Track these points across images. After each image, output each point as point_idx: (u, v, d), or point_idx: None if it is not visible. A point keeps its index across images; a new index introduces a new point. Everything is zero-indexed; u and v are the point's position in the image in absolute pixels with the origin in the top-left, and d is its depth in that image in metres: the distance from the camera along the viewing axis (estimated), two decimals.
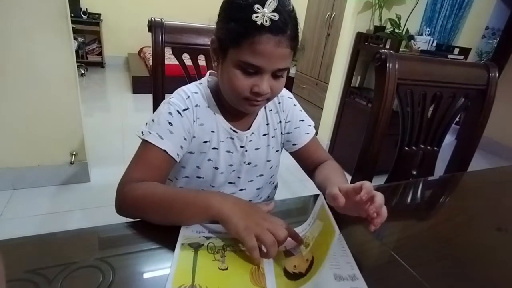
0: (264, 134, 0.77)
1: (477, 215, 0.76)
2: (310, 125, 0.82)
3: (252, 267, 0.48)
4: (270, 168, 0.81)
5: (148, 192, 0.57)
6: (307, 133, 0.81)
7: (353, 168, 1.00)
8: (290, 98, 0.81)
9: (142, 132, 0.64)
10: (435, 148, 1.06)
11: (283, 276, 0.47)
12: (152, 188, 0.58)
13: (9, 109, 1.58)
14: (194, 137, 0.69)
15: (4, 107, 1.56)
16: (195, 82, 0.74)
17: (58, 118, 1.69)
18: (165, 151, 0.62)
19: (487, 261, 0.60)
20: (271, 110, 0.78)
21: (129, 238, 0.53)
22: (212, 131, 0.71)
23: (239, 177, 0.77)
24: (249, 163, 0.76)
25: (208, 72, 0.76)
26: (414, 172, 1.06)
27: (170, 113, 0.65)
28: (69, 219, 1.59)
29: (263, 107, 0.77)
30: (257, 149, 0.77)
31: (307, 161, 0.82)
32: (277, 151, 0.81)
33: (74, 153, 1.78)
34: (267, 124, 0.78)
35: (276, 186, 0.91)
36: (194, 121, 0.68)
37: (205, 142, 0.71)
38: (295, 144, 0.81)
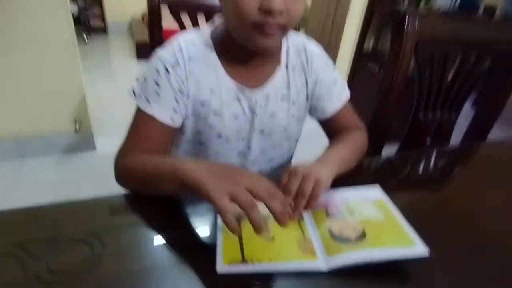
0: (283, 98, 0.65)
1: (494, 189, 0.71)
2: (344, 88, 0.71)
3: (298, 234, 0.46)
4: (288, 139, 0.70)
5: (132, 165, 0.54)
6: (340, 97, 0.70)
7: None
8: (321, 53, 0.69)
9: (134, 92, 0.58)
10: (453, 116, 0.99)
11: (330, 238, 0.45)
12: (136, 161, 0.54)
13: (8, 76, 1.53)
14: (188, 96, 0.59)
15: (2, 74, 1.52)
16: (197, 29, 0.62)
17: (59, 84, 1.64)
18: (153, 117, 0.56)
19: (500, 235, 0.56)
20: (294, 68, 0.65)
21: (119, 211, 0.51)
22: (212, 90, 0.60)
23: (249, 148, 0.67)
24: (261, 131, 0.65)
25: (215, 16, 0.66)
26: (429, 141, 1.00)
27: (158, 71, 0.56)
28: (77, 187, 1.61)
29: (284, 65, 0.63)
30: (272, 115, 0.65)
31: (336, 131, 0.70)
32: (298, 119, 0.69)
33: (78, 120, 1.76)
34: (288, 85, 0.65)
35: (291, 159, 0.80)
36: (186, 78, 0.58)
37: (203, 103, 0.60)
38: (324, 111, 0.69)
